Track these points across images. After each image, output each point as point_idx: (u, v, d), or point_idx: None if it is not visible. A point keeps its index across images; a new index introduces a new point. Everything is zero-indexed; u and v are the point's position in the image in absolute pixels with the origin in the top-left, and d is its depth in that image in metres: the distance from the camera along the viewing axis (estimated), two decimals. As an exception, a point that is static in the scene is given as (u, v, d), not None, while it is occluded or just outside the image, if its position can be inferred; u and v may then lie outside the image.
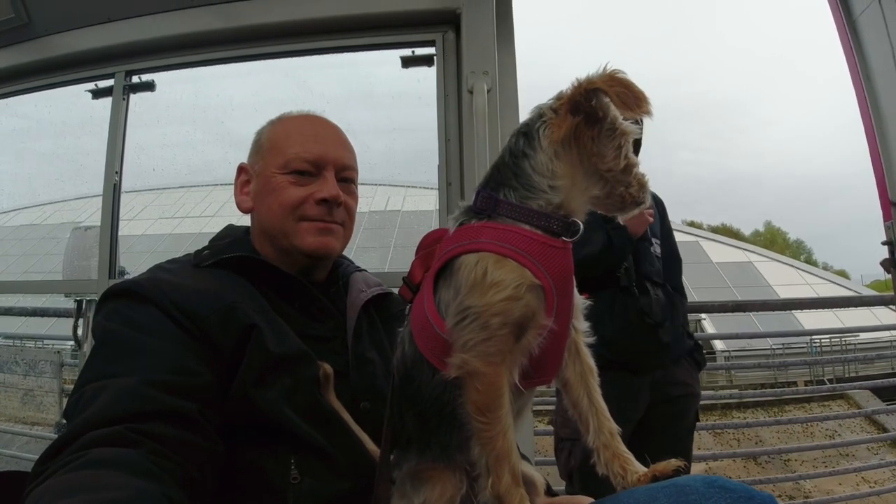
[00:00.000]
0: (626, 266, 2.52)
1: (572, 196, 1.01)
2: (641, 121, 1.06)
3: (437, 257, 1.04)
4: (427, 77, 2.48)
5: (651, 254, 2.61)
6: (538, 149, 1.01)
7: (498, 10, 2.37)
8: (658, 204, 2.77)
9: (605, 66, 0.99)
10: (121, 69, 2.71)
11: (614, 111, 1.00)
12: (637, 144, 1.09)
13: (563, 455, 2.43)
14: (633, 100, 0.95)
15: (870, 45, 2.51)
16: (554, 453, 2.55)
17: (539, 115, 1.03)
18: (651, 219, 2.52)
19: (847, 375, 15.07)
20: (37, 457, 0.88)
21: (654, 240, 2.65)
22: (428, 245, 1.12)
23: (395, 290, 1.52)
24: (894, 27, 2.34)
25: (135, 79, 2.74)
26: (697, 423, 2.76)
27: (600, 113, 1.00)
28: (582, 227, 1.02)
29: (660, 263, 2.64)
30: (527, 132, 1.03)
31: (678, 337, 2.58)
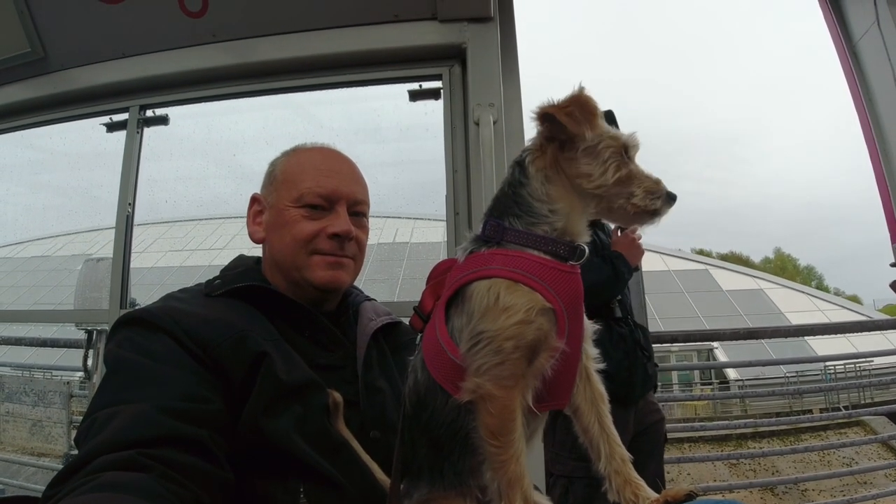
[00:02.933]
0: (620, 297, 2.57)
1: (572, 218, 1.03)
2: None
3: (448, 285, 1.05)
4: (434, 110, 2.53)
5: (627, 287, 2.68)
6: (530, 177, 1.04)
7: (503, 44, 2.43)
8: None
9: (577, 85, 1.03)
10: (135, 103, 2.78)
11: (597, 138, 1.02)
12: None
13: (557, 492, 2.38)
14: (582, 117, 1.00)
15: (871, 69, 2.55)
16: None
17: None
18: (644, 249, 2.59)
19: (862, 402, 14.77)
20: (44, 488, 0.88)
21: None
22: (438, 275, 1.13)
23: (405, 320, 1.53)
24: (894, 50, 2.37)
25: (149, 113, 2.80)
26: (712, 454, 2.82)
27: (563, 136, 1.03)
28: (587, 250, 1.04)
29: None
30: (520, 161, 1.07)
31: (654, 368, 2.66)
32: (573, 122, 0.99)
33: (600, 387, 1.09)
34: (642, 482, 1.01)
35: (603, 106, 1.08)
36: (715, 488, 4.86)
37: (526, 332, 0.93)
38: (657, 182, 1.06)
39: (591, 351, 1.09)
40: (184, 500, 0.86)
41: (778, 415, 14.30)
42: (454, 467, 1.01)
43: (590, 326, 1.09)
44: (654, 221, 1.09)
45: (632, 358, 2.49)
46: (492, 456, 0.93)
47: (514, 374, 0.93)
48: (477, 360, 0.93)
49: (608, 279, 2.45)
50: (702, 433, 11.50)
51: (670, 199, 1.07)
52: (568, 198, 1.03)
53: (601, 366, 1.10)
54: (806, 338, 14.92)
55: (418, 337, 1.13)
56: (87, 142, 3.15)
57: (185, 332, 1.09)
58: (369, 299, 1.54)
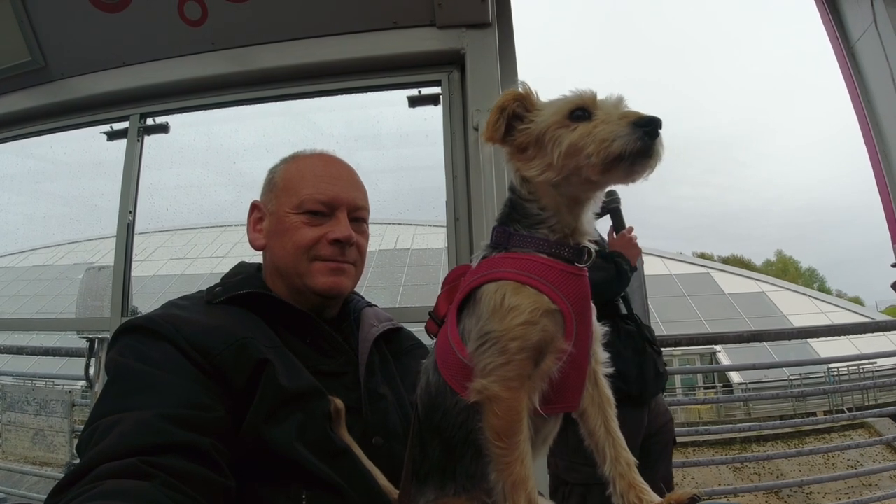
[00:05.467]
0: (623, 295, 2.57)
1: (562, 212, 1.03)
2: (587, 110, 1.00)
3: (460, 289, 1.06)
4: (433, 116, 2.53)
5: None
6: (516, 182, 1.07)
7: (501, 49, 2.43)
8: None
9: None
10: (135, 111, 2.77)
11: (537, 126, 1.02)
12: (585, 112, 0.98)
13: (574, 501, 2.38)
14: (496, 125, 1.03)
15: (869, 70, 2.55)
16: (550, 497, 2.47)
17: None
18: (640, 248, 2.62)
19: (866, 403, 14.74)
20: (46, 497, 0.87)
21: None
22: (453, 280, 1.14)
23: (406, 326, 1.54)
24: (892, 50, 2.37)
25: (149, 121, 2.80)
26: (716, 458, 2.79)
27: (519, 139, 1.04)
28: (594, 251, 1.04)
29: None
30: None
31: (664, 366, 2.63)
32: (487, 136, 1.04)
33: (608, 391, 1.09)
34: (646, 486, 1.01)
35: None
36: (720, 492, 4.85)
37: (531, 332, 0.93)
38: (618, 120, 0.94)
39: (601, 354, 1.09)
40: None
41: (782, 417, 14.27)
42: (467, 470, 1.01)
43: (599, 329, 1.09)
44: (639, 166, 0.94)
45: (642, 355, 2.47)
46: (497, 457, 0.93)
47: (520, 374, 0.93)
48: (483, 360, 0.94)
49: (612, 278, 2.46)
50: (706, 437, 11.50)
51: (642, 126, 0.92)
52: (549, 192, 1.03)
53: (610, 370, 1.10)
54: (809, 340, 14.85)
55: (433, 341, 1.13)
56: (88, 150, 3.16)
57: (186, 339, 1.09)
58: (370, 305, 1.54)
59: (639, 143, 0.91)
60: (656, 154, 0.93)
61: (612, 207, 2.66)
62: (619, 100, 0.99)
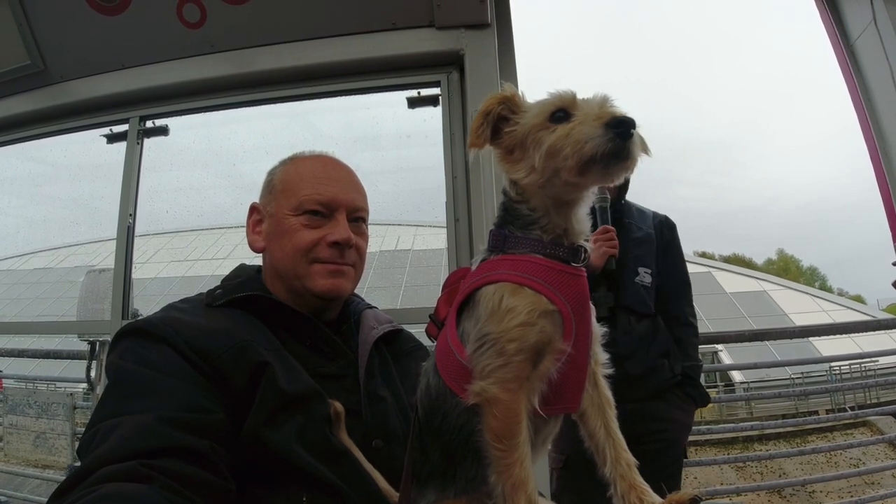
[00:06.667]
0: (593, 297, 2.48)
1: (551, 212, 1.03)
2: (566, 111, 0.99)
3: (460, 291, 1.06)
4: (433, 116, 2.54)
5: (634, 284, 2.59)
6: (507, 184, 1.07)
7: (501, 49, 2.43)
8: (669, 228, 2.76)
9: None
10: (135, 114, 2.78)
11: (521, 128, 1.02)
12: (566, 114, 0.97)
13: None
14: (482, 129, 1.05)
15: (869, 69, 2.55)
16: None
17: None
18: (614, 251, 2.46)
19: (868, 402, 14.73)
20: (47, 500, 0.87)
21: (641, 269, 2.62)
22: (453, 283, 1.13)
23: (406, 327, 1.53)
24: (892, 49, 2.37)
25: (149, 123, 2.81)
26: (719, 457, 2.68)
27: (506, 142, 1.05)
28: (590, 251, 1.04)
29: (646, 293, 2.60)
30: None
31: (654, 369, 2.51)
32: (471, 143, 1.05)
33: (607, 392, 1.08)
34: (647, 487, 1.00)
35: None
36: (722, 492, 4.84)
37: (528, 334, 0.93)
38: (592, 121, 0.93)
39: (600, 355, 1.09)
40: None
41: (784, 417, 14.25)
42: (467, 473, 1.01)
43: (598, 330, 1.08)
44: (613, 167, 0.93)
45: None
46: (496, 459, 0.93)
47: (518, 376, 0.92)
48: (482, 362, 0.93)
49: None
50: (708, 436, 11.48)
51: (613, 127, 0.90)
52: (536, 194, 1.03)
53: (609, 371, 1.10)
54: (810, 339, 14.85)
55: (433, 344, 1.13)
56: (88, 153, 3.17)
57: (185, 342, 1.09)
58: (370, 307, 1.53)
59: (609, 144, 0.90)
60: (630, 155, 0.92)
61: (597, 206, 2.52)
62: (604, 99, 0.98)
